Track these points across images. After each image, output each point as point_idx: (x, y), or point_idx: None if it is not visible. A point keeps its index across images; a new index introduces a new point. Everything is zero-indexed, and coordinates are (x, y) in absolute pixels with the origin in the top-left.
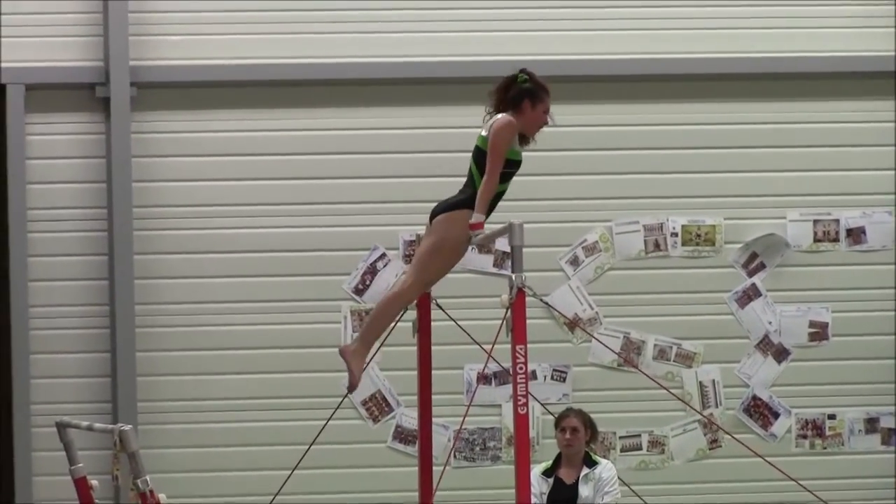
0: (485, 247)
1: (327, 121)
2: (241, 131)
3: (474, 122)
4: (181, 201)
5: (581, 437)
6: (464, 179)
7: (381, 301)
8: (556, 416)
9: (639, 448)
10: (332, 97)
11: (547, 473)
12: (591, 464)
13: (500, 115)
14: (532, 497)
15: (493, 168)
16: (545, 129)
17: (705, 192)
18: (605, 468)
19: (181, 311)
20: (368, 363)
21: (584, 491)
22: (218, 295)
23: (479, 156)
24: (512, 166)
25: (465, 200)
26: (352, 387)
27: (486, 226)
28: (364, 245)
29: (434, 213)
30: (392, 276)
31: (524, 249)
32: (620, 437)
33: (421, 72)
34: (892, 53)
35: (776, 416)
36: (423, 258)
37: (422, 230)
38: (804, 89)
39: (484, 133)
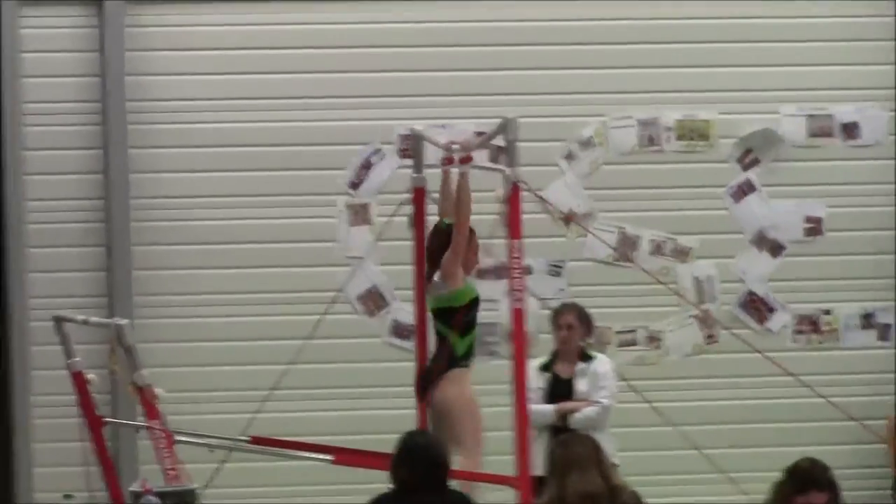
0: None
1: (321, 14)
2: (234, 25)
3: (469, 15)
4: (173, 95)
5: (577, 333)
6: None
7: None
8: (552, 311)
9: (635, 343)
10: None
11: (544, 368)
12: (587, 359)
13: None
14: (529, 392)
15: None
16: (539, 22)
17: (699, 87)
18: (601, 362)
19: (175, 206)
20: None
21: (581, 385)
22: (213, 189)
23: (440, 313)
24: (473, 307)
25: (446, 364)
26: None
27: None
28: (359, 139)
29: (422, 387)
30: (387, 170)
31: (519, 144)
32: (617, 333)
33: None
34: None
35: (772, 311)
36: (460, 437)
37: (415, 124)
38: None
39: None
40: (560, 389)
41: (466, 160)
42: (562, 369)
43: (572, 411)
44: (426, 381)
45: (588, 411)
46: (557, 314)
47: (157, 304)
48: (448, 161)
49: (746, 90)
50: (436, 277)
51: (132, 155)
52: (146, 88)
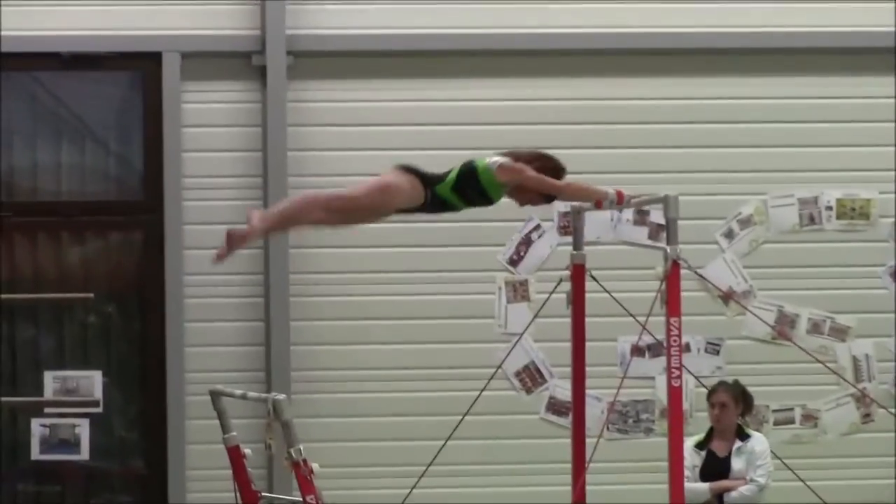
0: (640, 219)
1: (478, 91)
2: (394, 101)
3: (632, 93)
4: (335, 170)
5: (731, 412)
6: (618, 151)
7: (306, 193)
8: (709, 389)
9: (791, 422)
10: (482, 67)
11: (700, 446)
12: (744, 437)
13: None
14: (685, 470)
15: (554, 187)
16: (702, 100)
17: (859, 166)
18: (758, 441)
19: (334, 281)
20: None
21: (737, 464)
22: (372, 265)
23: (468, 171)
24: (482, 197)
25: (428, 177)
26: (241, 237)
27: None
28: (519, 216)
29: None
30: (547, 247)
31: (679, 222)
32: (773, 411)
33: (572, 42)
34: None
35: None
36: (365, 185)
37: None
38: None
39: (487, 161)
40: (716, 467)
41: (619, 196)
42: (718, 447)
43: (728, 490)
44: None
45: (744, 489)
46: (711, 393)
47: (314, 378)
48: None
49: None
50: (501, 157)
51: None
52: (306, 164)
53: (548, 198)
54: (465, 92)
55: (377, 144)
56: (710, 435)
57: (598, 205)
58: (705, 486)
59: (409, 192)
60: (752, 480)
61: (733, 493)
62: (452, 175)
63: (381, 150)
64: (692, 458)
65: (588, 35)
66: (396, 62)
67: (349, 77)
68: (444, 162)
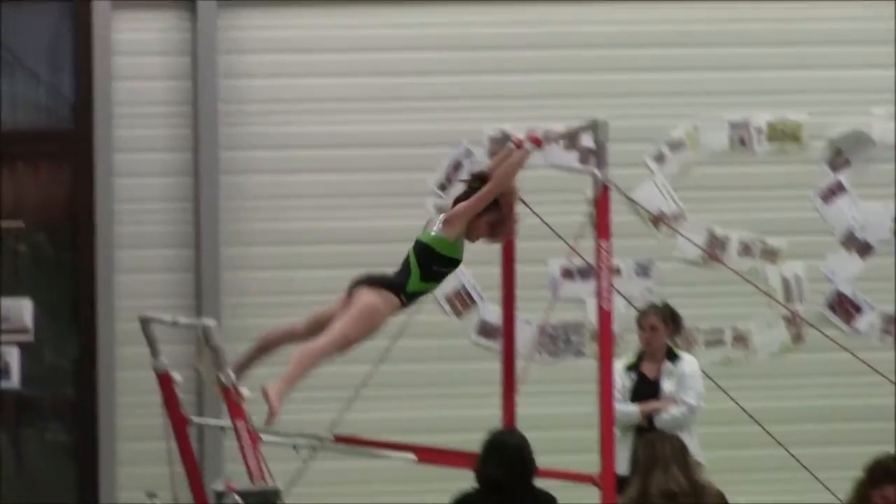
0: (570, 143)
1: (412, 18)
2: (324, 28)
3: (559, 17)
4: (265, 97)
5: (661, 334)
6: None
7: (304, 351)
8: (639, 311)
9: (722, 343)
10: None
11: (630, 368)
12: (674, 358)
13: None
14: (615, 391)
15: (488, 191)
16: (628, 25)
17: (790, 88)
18: (688, 363)
19: (264, 207)
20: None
21: (667, 385)
22: (303, 190)
23: (421, 247)
24: (449, 265)
25: (395, 283)
26: (269, 419)
27: None
28: (449, 141)
29: (356, 283)
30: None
31: (608, 146)
32: (704, 333)
33: None
34: None
35: (859, 311)
36: (338, 325)
37: (506, 126)
38: None
39: (433, 232)
40: (646, 389)
41: (535, 141)
42: (648, 369)
43: (657, 411)
44: (361, 280)
45: (674, 411)
46: (642, 316)
47: (244, 304)
48: (518, 144)
49: (837, 91)
50: (439, 215)
51: (222, 157)
52: (237, 91)
53: (496, 217)
54: (395, 20)
55: (307, 71)
56: (640, 357)
57: (521, 162)
58: (635, 407)
59: (388, 308)
60: (682, 402)
61: (664, 415)
62: (413, 266)
63: (310, 77)
64: (623, 380)
65: None
66: None
67: (279, 5)
68: (372, 89)
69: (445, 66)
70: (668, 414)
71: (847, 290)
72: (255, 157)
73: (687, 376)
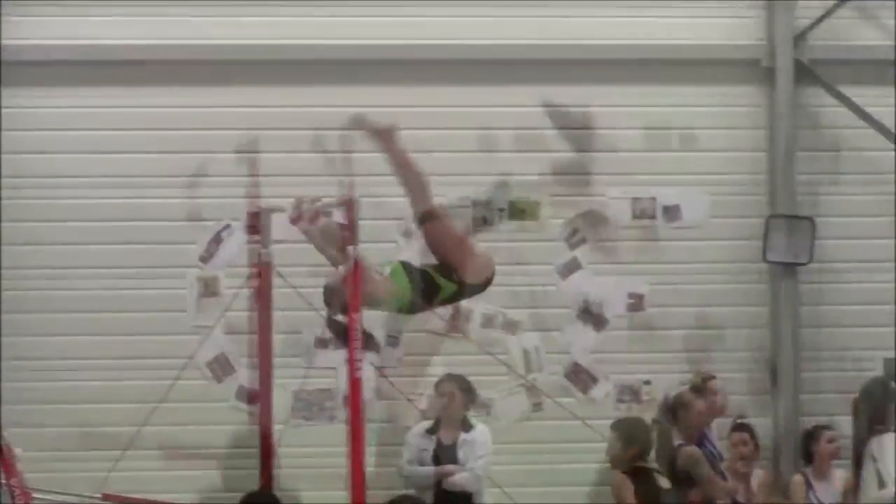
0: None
1: (178, 98)
2: (98, 107)
3: (326, 101)
4: (46, 173)
5: (458, 403)
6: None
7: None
8: (437, 379)
9: None
10: (177, 76)
11: (431, 431)
12: (468, 428)
13: None
14: (414, 452)
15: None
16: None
17: (530, 171)
18: (480, 433)
19: (43, 276)
20: None
21: (461, 454)
22: (77, 261)
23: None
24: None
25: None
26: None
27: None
28: (210, 216)
29: None
30: (236, 245)
31: (360, 222)
32: None
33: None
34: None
35: (595, 380)
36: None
37: (268, 202)
38: (617, 74)
39: None
40: (444, 454)
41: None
42: (445, 435)
43: (448, 475)
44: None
45: (461, 478)
46: (438, 384)
47: (20, 368)
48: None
49: (572, 174)
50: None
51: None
52: (19, 166)
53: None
54: (157, 99)
55: (76, 148)
56: (437, 423)
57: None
58: (430, 470)
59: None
60: (471, 470)
61: (452, 479)
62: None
63: (78, 154)
64: (424, 443)
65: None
66: (97, 71)
67: (56, 84)
68: (134, 166)
69: (205, 144)
70: (456, 479)
71: (583, 361)
72: (33, 229)
73: (478, 445)
